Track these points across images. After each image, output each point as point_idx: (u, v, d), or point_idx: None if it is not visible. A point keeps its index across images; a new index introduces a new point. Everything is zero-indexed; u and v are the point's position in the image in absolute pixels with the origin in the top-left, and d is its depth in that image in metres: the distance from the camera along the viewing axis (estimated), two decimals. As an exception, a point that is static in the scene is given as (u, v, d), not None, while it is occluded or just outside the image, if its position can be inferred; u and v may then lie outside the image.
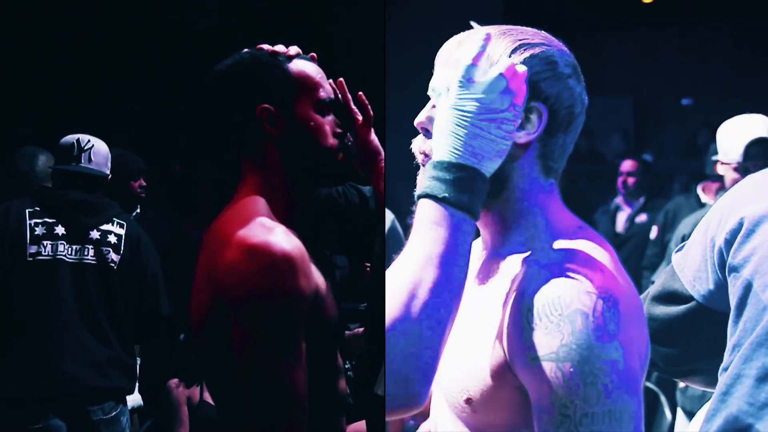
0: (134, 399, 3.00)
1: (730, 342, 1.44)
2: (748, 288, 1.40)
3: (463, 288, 1.12)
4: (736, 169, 2.96)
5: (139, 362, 2.95)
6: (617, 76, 7.70)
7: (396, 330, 1.05)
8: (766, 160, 2.76)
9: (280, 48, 1.44)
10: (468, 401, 1.17)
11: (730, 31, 6.95)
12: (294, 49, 1.45)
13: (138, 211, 3.67)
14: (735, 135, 2.97)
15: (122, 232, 2.80)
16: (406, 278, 1.07)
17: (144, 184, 3.59)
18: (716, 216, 1.52)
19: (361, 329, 2.43)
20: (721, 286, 1.48)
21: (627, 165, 5.20)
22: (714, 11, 6.71)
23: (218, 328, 1.30)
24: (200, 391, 3.14)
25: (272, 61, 1.41)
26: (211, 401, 3.10)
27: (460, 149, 1.11)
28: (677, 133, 7.69)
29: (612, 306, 1.07)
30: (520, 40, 1.19)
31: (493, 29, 1.22)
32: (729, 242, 1.46)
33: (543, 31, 1.25)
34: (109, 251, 2.74)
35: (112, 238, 2.76)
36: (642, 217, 5.03)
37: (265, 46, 1.44)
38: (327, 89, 1.44)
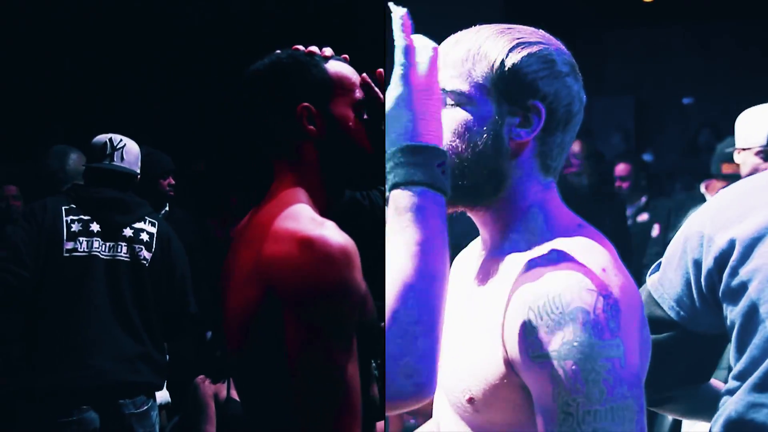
0: (162, 396, 3.05)
1: (736, 368, 1.41)
2: (750, 314, 1.37)
3: (447, 267, 1.10)
4: (758, 154, 2.90)
5: (167, 359, 2.99)
6: (618, 76, 7.78)
7: (396, 321, 1.05)
8: None
9: (314, 49, 1.43)
10: (470, 401, 1.17)
11: (731, 30, 7.03)
12: (328, 51, 1.44)
13: (166, 209, 3.73)
14: (758, 120, 2.91)
15: (154, 230, 2.86)
16: (397, 271, 1.07)
17: (173, 182, 3.66)
18: (695, 236, 1.46)
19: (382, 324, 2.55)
20: (709, 309, 1.45)
21: (620, 169, 5.17)
22: (715, 10, 6.81)
23: (268, 323, 1.26)
24: (227, 388, 3.17)
25: (310, 60, 1.40)
26: (237, 399, 3.22)
27: (412, 131, 1.11)
28: (678, 133, 7.81)
29: (613, 303, 1.07)
30: (517, 38, 1.19)
31: (490, 28, 1.22)
32: (720, 265, 1.41)
33: (540, 30, 1.24)
34: (142, 249, 2.80)
35: (145, 236, 2.82)
36: (643, 216, 5.01)
37: (301, 47, 1.43)
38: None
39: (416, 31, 1.18)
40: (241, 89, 1.42)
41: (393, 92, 1.13)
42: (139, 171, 2.96)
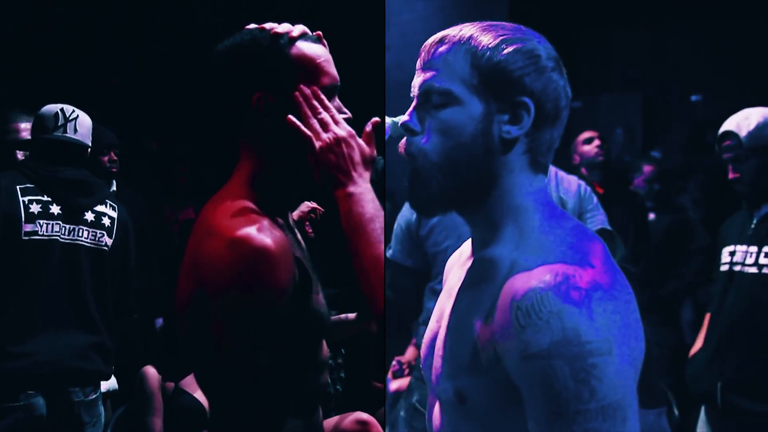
0: (110, 383, 3.15)
1: None
2: None
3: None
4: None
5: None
6: (625, 73, 8.00)
7: None
8: (737, 152, 3.02)
9: (284, 28, 1.47)
10: (461, 400, 1.25)
11: (740, 27, 7.27)
12: (299, 29, 1.48)
13: (114, 189, 3.81)
14: (720, 130, 3.18)
15: (115, 215, 2.93)
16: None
17: (115, 158, 3.73)
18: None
19: (351, 315, 2.67)
20: None
21: (648, 170, 5.30)
22: (723, 7, 7.02)
23: (199, 317, 1.40)
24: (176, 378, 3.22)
25: (273, 44, 1.45)
26: (186, 389, 3.20)
27: None
28: (686, 131, 8.02)
29: (602, 301, 1.13)
30: (501, 35, 1.28)
31: (473, 26, 1.31)
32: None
33: (522, 26, 1.32)
34: (103, 234, 2.87)
35: (106, 221, 2.89)
36: (650, 216, 5.16)
37: (269, 26, 1.48)
38: (330, 74, 1.48)
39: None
40: (202, 71, 1.51)
41: None
42: (90, 144, 3.00)
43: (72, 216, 2.83)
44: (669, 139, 8.29)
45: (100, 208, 2.91)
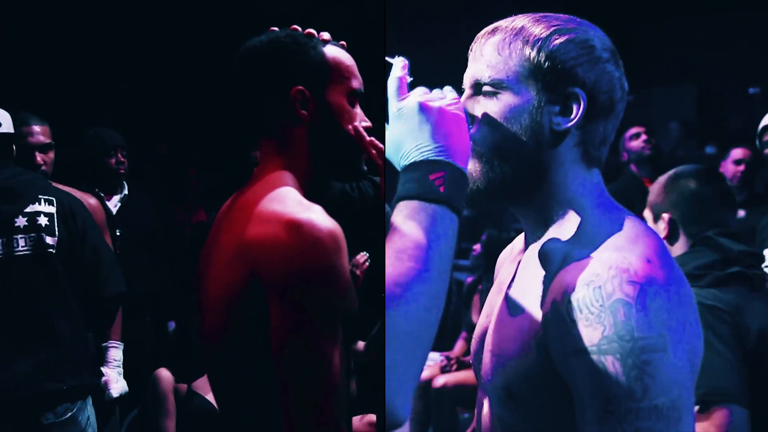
0: (120, 387, 3.15)
1: None
2: None
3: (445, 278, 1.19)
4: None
5: (122, 347, 3.10)
6: (679, 64, 7.97)
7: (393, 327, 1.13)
8: None
9: (312, 32, 1.56)
10: (510, 397, 1.28)
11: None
12: (326, 35, 1.58)
13: (126, 192, 3.88)
14: (761, 124, 3.21)
15: (53, 209, 2.80)
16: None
17: (122, 159, 3.77)
18: None
19: (361, 344, 2.72)
20: None
21: (737, 153, 5.04)
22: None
23: (251, 309, 1.37)
24: (188, 381, 3.28)
25: (308, 42, 1.53)
26: (199, 392, 3.25)
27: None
28: (743, 124, 7.93)
29: (657, 296, 1.15)
30: (554, 26, 1.32)
31: (526, 17, 1.36)
32: None
33: (578, 18, 1.36)
34: (43, 236, 2.75)
35: (43, 220, 2.76)
36: (740, 213, 5.24)
37: (298, 28, 1.57)
38: (359, 78, 1.57)
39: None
40: (235, 64, 1.55)
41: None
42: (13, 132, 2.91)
43: (1, 227, 2.73)
44: (725, 134, 8.21)
45: (32, 208, 2.80)
